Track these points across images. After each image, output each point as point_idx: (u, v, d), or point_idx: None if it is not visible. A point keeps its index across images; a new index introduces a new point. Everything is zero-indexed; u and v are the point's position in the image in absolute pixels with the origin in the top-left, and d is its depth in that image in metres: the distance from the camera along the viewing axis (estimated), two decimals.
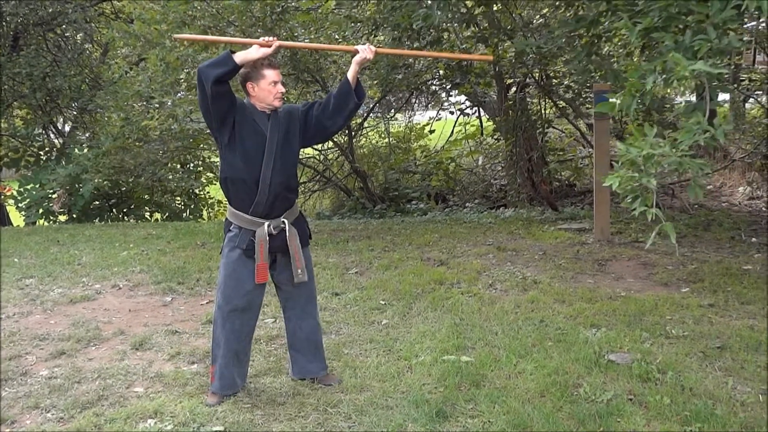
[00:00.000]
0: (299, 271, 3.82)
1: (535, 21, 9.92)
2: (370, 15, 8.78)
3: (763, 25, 10.06)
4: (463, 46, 9.70)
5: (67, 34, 14.91)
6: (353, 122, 13.66)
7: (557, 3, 7.93)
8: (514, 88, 11.15)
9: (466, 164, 14.81)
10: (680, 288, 5.72)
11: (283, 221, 3.80)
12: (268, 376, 4.18)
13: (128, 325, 5.27)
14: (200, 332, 5.04)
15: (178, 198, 14.50)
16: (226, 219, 3.86)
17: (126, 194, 13.47)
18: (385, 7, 7.89)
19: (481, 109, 13.55)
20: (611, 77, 5.56)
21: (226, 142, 3.68)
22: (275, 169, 3.71)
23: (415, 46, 8.24)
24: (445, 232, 8.40)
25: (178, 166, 13.67)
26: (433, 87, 12.93)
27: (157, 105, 9.65)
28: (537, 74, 10.66)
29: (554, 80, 11.03)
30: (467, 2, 8.55)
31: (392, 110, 15.69)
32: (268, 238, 3.74)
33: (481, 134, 14.49)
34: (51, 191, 12.48)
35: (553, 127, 12.95)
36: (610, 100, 3.33)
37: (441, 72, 11.10)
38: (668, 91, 11.35)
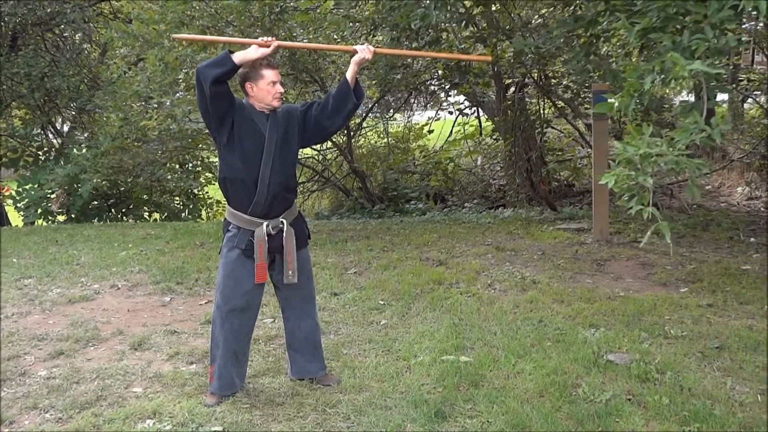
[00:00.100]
0: (290, 272, 3.82)
1: (533, 21, 9.93)
2: (369, 15, 8.78)
3: (762, 25, 10.08)
4: (462, 46, 9.70)
5: (66, 34, 14.91)
6: (352, 122, 13.66)
7: (555, 3, 7.93)
8: (512, 88, 11.16)
9: (465, 164, 14.82)
10: (679, 288, 5.72)
11: (282, 221, 3.80)
12: (267, 376, 4.18)
13: (127, 325, 5.27)
14: (199, 332, 5.04)
15: (177, 198, 14.50)
16: (225, 219, 3.86)
17: (125, 194, 13.47)
18: (384, 7, 7.89)
19: (479, 109, 13.55)
20: (610, 77, 5.57)
21: (224, 142, 3.68)
22: (274, 169, 3.71)
23: (413, 46, 8.24)
24: (443, 232, 8.40)
25: (177, 166, 13.66)
26: (432, 87, 12.94)
27: (155, 105, 9.64)
28: (536, 74, 10.67)
29: (553, 80, 11.04)
30: (466, 2, 8.55)
31: (391, 110, 15.69)
32: (266, 238, 3.74)
33: (480, 134, 14.50)
34: (49, 191, 12.48)
35: (552, 127, 12.96)
36: (609, 100, 3.33)
37: (440, 72, 11.11)
38: (666, 91, 11.35)
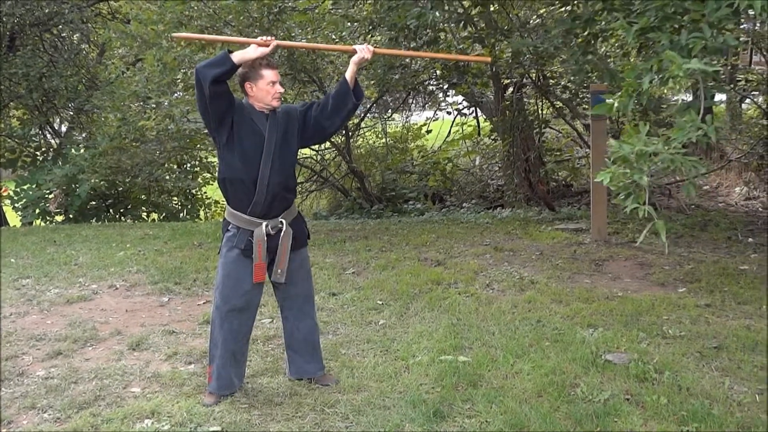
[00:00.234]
0: (279, 271, 3.83)
1: (531, 21, 9.93)
2: (367, 15, 8.78)
3: (759, 25, 10.09)
4: (460, 46, 9.70)
5: (64, 35, 14.90)
6: (350, 122, 13.65)
7: (554, 2, 7.94)
8: (511, 89, 11.16)
9: (463, 164, 14.82)
10: (677, 288, 5.73)
11: (281, 221, 3.80)
12: (266, 376, 4.18)
13: (125, 325, 5.26)
14: (197, 332, 5.04)
15: (175, 198, 14.49)
16: (225, 219, 3.86)
17: (123, 194, 13.47)
18: (382, 6, 7.89)
19: (478, 110, 13.56)
20: (608, 77, 5.57)
21: (224, 142, 3.68)
22: (273, 169, 3.71)
23: (411, 46, 8.24)
24: (442, 232, 8.40)
25: (175, 166, 13.67)
26: (430, 87, 12.94)
27: (153, 105, 9.64)
28: (534, 74, 10.67)
29: (551, 81, 11.04)
30: (464, 2, 8.55)
31: (389, 110, 15.69)
32: (266, 238, 3.74)
33: (478, 134, 14.51)
34: (47, 191, 12.47)
35: (550, 128, 12.96)
36: (608, 101, 3.33)
37: (438, 72, 11.11)
38: (665, 91, 11.37)
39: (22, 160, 13.96)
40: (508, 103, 10.90)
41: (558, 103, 11.38)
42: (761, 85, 11.68)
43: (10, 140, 14.13)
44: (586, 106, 10.25)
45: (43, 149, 14.39)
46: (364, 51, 3.83)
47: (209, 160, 13.98)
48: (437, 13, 6.88)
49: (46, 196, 12.50)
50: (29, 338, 4.95)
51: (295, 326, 4.02)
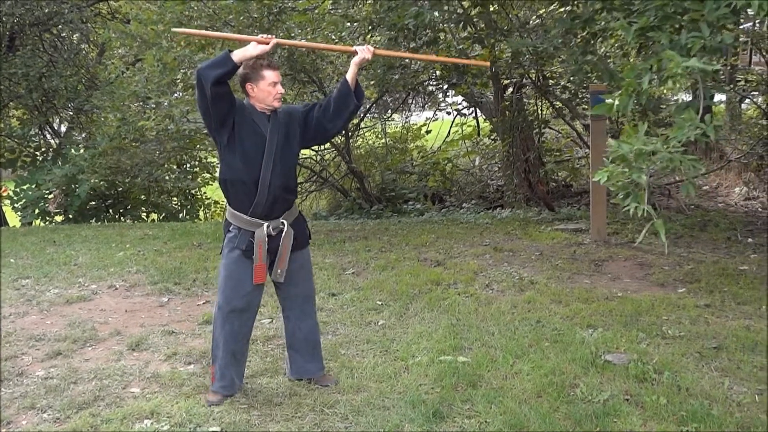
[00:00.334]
0: (279, 271, 3.83)
1: (531, 21, 9.94)
2: (366, 15, 8.78)
3: (759, 25, 10.09)
4: (460, 47, 9.71)
5: (64, 35, 14.89)
6: (351, 122, 13.65)
7: (553, 1, 7.94)
8: (510, 89, 11.16)
9: (463, 165, 14.82)
10: (677, 288, 5.73)
11: (283, 222, 3.80)
12: (265, 376, 4.18)
13: (125, 325, 5.26)
14: (197, 333, 5.03)
15: (175, 198, 14.49)
16: (226, 219, 3.86)
17: (122, 195, 13.46)
18: (381, 6, 7.89)
19: (477, 110, 13.56)
20: (607, 77, 5.57)
21: (225, 143, 3.67)
22: (275, 170, 3.71)
23: (411, 46, 8.24)
24: (441, 232, 8.40)
25: (175, 166, 13.67)
26: (430, 87, 12.93)
27: (153, 105, 9.64)
28: (533, 75, 10.67)
29: (551, 81, 11.04)
30: (464, 2, 8.55)
31: (389, 111, 15.70)
32: (267, 239, 3.74)
33: (478, 135, 14.50)
34: (47, 192, 12.47)
35: (550, 128, 12.97)
36: (607, 101, 3.33)
37: (438, 72, 11.11)
38: (664, 91, 11.37)
39: (22, 160, 13.96)
40: (507, 103, 10.89)
41: (557, 103, 11.38)
42: (761, 85, 11.68)
43: (9, 140, 14.13)
44: (586, 107, 10.25)
45: (42, 149, 14.39)
46: (364, 51, 3.83)
47: (209, 160, 13.99)
48: (436, 14, 6.88)
49: (46, 196, 12.50)
50: (29, 338, 4.94)
51: (297, 326, 4.03)
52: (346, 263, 6.95)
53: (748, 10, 3.23)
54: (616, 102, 3.24)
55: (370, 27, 8.71)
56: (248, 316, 3.88)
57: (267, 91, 3.67)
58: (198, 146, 11.82)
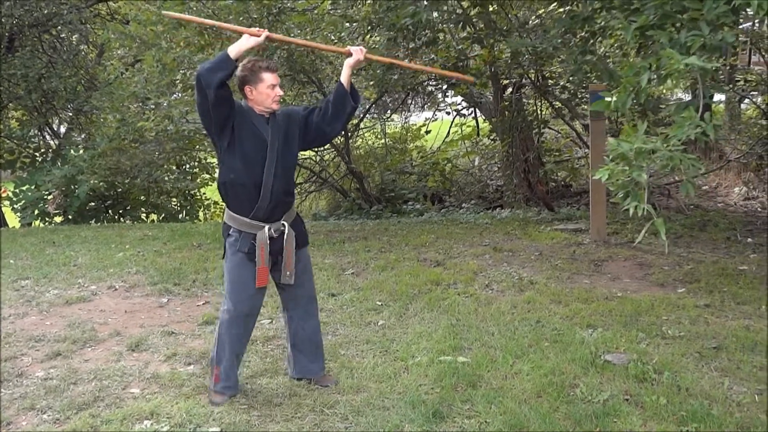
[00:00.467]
0: (288, 273, 3.84)
1: (530, 22, 9.94)
2: (366, 15, 8.78)
3: (758, 25, 10.09)
4: (459, 47, 9.70)
5: (63, 36, 14.89)
6: (349, 123, 13.64)
7: (553, 1, 7.95)
8: (510, 89, 11.16)
9: (463, 165, 14.83)
10: (676, 288, 5.73)
11: (283, 224, 3.80)
12: (265, 377, 4.18)
13: (124, 326, 5.26)
14: (196, 333, 5.03)
15: (174, 199, 14.49)
16: (225, 223, 3.85)
17: (122, 195, 13.46)
18: (381, 7, 7.90)
19: (477, 110, 13.57)
20: (606, 76, 5.57)
21: (225, 146, 3.66)
22: (276, 174, 3.72)
23: (410, 46, 8.25)
24: (441, 232, 8.40)
25: (174, 167, 13.67)
26: (429, 88, 12.94)
27: (152, 106, 9.64)
28: (533, 75, 10.67)
29: (550, 81, 11.04)
30: (463, 3, 8.55)
31: (388, 111, 15.69)
32: (268, 241, 3.74)
33: (477, 135, 14.51)
34: (46, 192, 12.46)
35: (549, 128, 12.97)
36: (606, 99, 3.33)
37: None
38: (664, 91, 11.38)
39: (21, 161, 13.96)
40: (507, 103, 10.90)
41: (557, 103, 11.38)
42: (760, 85, 11.69)
43: (9, 141, 14.13)
44: (585, 107, 10.26)
45: (42, 150, 14.40)
46: (358, 53, 3.83)
47: (208, 161, 13.98)
48: (435, 14, 6.88)
49: (45, 197, 12.50)
50: (28, 339, 4.94)
51: (300, 326, 4.03)
52: (346, 263, 6.94)
53: (748, 9, 3.23)
54: (614, 99, 3.24)
55: (369, 27, 8.71)
56: (252, 319, 3.91)
57: (266, 93, 3.67)
58: (197, 147, 11.83)
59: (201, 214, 14.74)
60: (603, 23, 5.34)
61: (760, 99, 11.99)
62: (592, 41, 6.22)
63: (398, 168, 14.46)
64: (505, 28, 9.09)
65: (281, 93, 3.73)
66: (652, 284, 5.91)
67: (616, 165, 2.99)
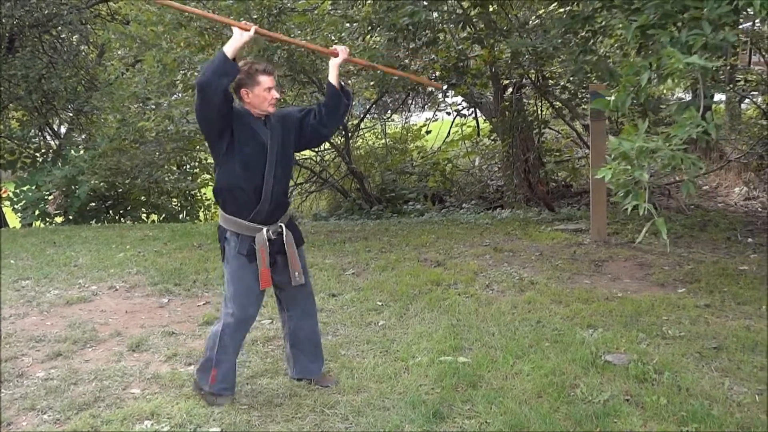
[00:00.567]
0: (296, 273, 3.84)
1: (531, 22, 9.94)
2: (366, 15, 8.77)
3: (759, 25, 10.09)
4: (459, 47, 9.70)
5: (63, 36, 14.89)
6: (350, 123, 13.67)
7: (553, 1, 7.95)
8: (510, 89, 11.16)
9: (463, 165, 14.82)
10: (676, 288, 5.73)
11: (281, 226, 3.81)
12: (265, 377, 4.18)
13: (125, 326, 5.26)
14: (197, 333, 5.04)
15: (175, 199, 14.48)
16: (221, 227, 3.82)
17: (122, 196, 13.46)
18: (381, 7, 7.90)
19: (477, 110, 13.56)
20: (607, 76, 5.57)
21: (223, 150, 3.65)
22: (276, 177, 3.73)
23: (410, 47, 8.24)
24: (441, 233, 8.40)
25: (175, 167, 13.66)
26: (430, 88, 12.94)
27: (153, 106, 9.64)
28: (533, 75, 10.67)
29: (550, 81, 11.04)
30: (463, 3, 8.55)
31: (389, 111, 15.70)
32: (267, 243, 3.74)
33: (478, 135, 14.50)
34: (47, 193, 12.46)
35: (550, 128, 12.96)
36: (606, 98, 3.33)
37: (437, 73, 11.11)
38: (664, 91, 11.37)
39: (22, 162, 13.96)
40: (507, 103, 10.90)
41: (557, 103, 11.38)
42: (760, 85, 11.68)
43: (9, 142, 14.13)
44: (586, 107, 10.26)
45: (42, 150, 14.40)
46: (344, 53, 3.87)
47: (209, 161, 13.94)
48: (435, 14, 6.88)
49: (46, 197, 12.49)
50: (29, 339, 4.94)
51: (299, 325, 4.04)
52: (346, 264, 6.95)
53: (748, 9, 3.23)
54: (613, 97, 3.24)
55: (369, 27, 8.71)
56: (253, 322, 3.93)
57: (262, 96, 3.66)
58: (198, 147, 11.80)
59: (201, 214, 14.73)
60: (603, 23, 5.34)
61: (760, 99, 11.99)
62: (593, 41, 6.22)
63: (399, 168, 14.45)
64: (505, 28, 9.09)
65: (277, 96, 3.73)
66: (653, 284, 5.91)
67: (618, 164, 2.99)
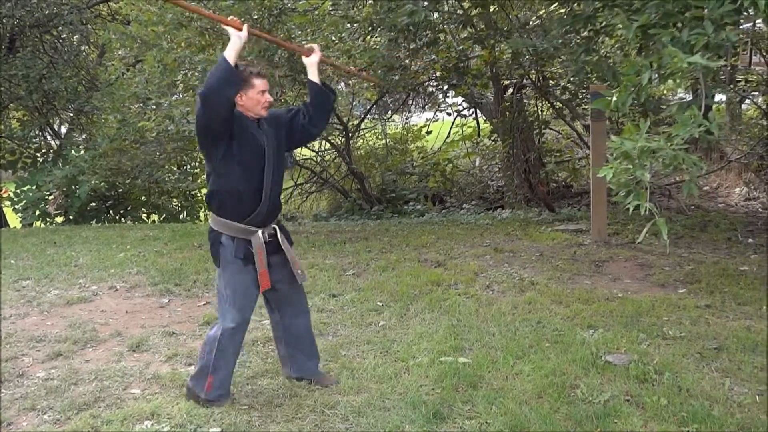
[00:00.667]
0: (299, 271, 3.88)
1: (531, 22, 9.94)
2: (367, 16, 8.77)
3: (760, 25, 10.09)
4: (460, 47, 9.70)
5: (64, 36, 14.89)
6: (350, 123, 13.68)
7: (554, 2, 7.95)
8: (510, 90, 11.17)
9: (463, 165, 14.82)
10: (677, 289, 5.72)
11: (274, 227, 3.82)
12: (266, 377, 4.18)
13: (125, 326, 5.26)
14: (197, 334, 5.03)
15: (175, 199, 14.48)
16: (213, 230, 3.77)
17: (123, 196, 13.46)
18: (382, 8, 7.90)
19: (478, 111, 13.56)
20: (609, 76, 5.57)
21: (221, 155, 3.61)
22: (274, 179, 3.74)
23: (411, 47, 8.23)
24: (442, 233, 8.40)
25: (175, 167, 13.66)
26: (430, 88, 12.93)
27: (153, 106, 9.64)
28: (533, 75, 10.67)
29: (551, 81, 11.04)
30: (464, 3, 8.55)
31: (389, 111, 15.70)
32: (264, 245, 3.73)
33: (478, 135, 14.51)
34: (47, 193, 12.46)
35: (550, 129, 12.97)
36: (606, 97, 3.33)
37: (438, 74, 11.11)
38: (664, 91, 11.37)
39: (22, 162, 13.96)
40: (507, 104, 10.90)
41: (558, 104, 11.38)
42: (761, 85, 11.68)
43: (10, 142, 14.13)
44: (586, 107, 10.25)
45: (43, 151, 14.40)
46: (318, 51, 3.92)
47: None
48: (436, 15, 6.88)
49: (46, 197, 12.49)
50: (29, 339, 4.94)
51: (294, 323, 4.04)
52: (347, 264, 6.94)
53: (750, 9, 3.23)
54: (615, 97, 3.24)
55: (370, 28, 8.71)
56: (248, 325, 3.92)
57: (256, 99, 3.64)
58: (198, 147, 11.80)
59: (202, 214, 14.71)
60: (604, 23, 5.34)
61: (760, 99, 11.99)
62: (594, 41, 6.22)
63: (399, 168, 14.45)
64: (505, 28, 9.08)
65: (271, 99, 3.72)
66: (653, 285, 5.91)
67: (619, 164, 2.98)
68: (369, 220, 11.23)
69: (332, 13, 9.20)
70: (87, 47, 15.75)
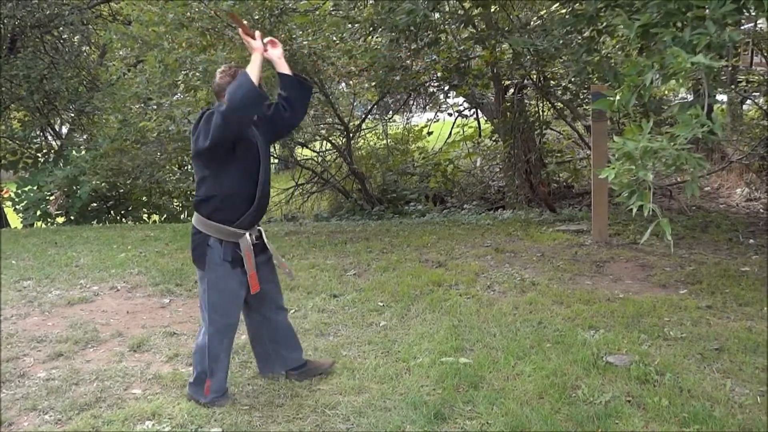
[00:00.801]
0: (287, 271, 3.97)
1: (532, 22, 9.94)
2: (368, 16, 8.78)
3: (761, 25, 10.09)
4: (461, 47, 9.71)
5: (65, 36, 14.89)
6: (351, 124, 13.67)
7: (555, 1, 7.95)
8: (511, 90, 11.16)
9: (464, 166, 14.81)
10: (678, 289, 5.72)
11: (259, 229, 3.83)
12: (266, 377, 4.18)
13: (126, 326, 5.26)
14: None
15: (176, 200, 14.48)
16: (199, 233, 3.74)
17: (124, 196, 13.46)
18: (383, 8, 7.90)
19: (479, 111, 13.56)
20: (610, 76, 5.57)
21: (219, 158, 3.59)
22: (266, 178, 3.75)
23: (412, 47, 8.24)
24: (443, 233, 8.40)
25: (176, 167, 13.66)
26: (431, 89, 12.94)
27: (154, 106, 9.64)
28: (534, 76, 10.67)
29: (552, 82, 11.04)
30: (465, 3, 8.55)
31: (390, 112, 15.70)
32: (252, 247, 3.73)
33: (479, 136, 14.51)
34: (48, 193, 12.47)
35: (551, 129, 12.96)
36: (608, 98, 3.33)
37: (439, 74, 11.11)
38: (666, 92, 11.37)
39: (23, 162, 13.97)
40: (508, 104, 10.90)
41: (559, 104, 11.38)
42: (762, 86, 11.68)
43: (11, 142, 14.15)
44: (587, 107, 10.25)
45: (44, 151, 14.41)
46: (278, 43, 3.82)
47: None
48: (437, 15, 6.88)
49: (47, 197, 12.50)
50: (30, 340, 4.95)
51: (275, 319, 4.06)
52: (348, 264, 6.94)
53: (751, 9, 3.23)
54: (617, 97, 3.24)
55: (371, 28, 8.72)
56: (237, 327, 3.91)
57: None
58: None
59: None
60: (606, 23, 5.34)
61: (762, 100, 11.99)
62: (596, 41, 6.21)
63: (400, 169, 14.45)
64: (507, 28, 9.09)
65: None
66: (654, 285, 5.91)
67: (621, 164, 2.98)
68: (370, 220, 11.23)
69: (333, 13, 9.21)
70: (88, 47, 15.75)
